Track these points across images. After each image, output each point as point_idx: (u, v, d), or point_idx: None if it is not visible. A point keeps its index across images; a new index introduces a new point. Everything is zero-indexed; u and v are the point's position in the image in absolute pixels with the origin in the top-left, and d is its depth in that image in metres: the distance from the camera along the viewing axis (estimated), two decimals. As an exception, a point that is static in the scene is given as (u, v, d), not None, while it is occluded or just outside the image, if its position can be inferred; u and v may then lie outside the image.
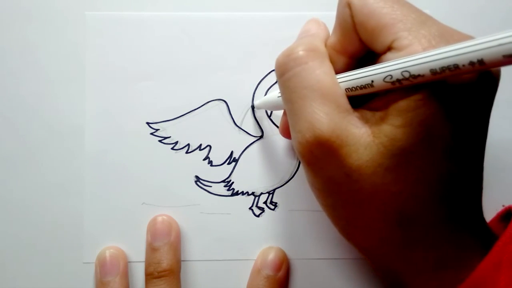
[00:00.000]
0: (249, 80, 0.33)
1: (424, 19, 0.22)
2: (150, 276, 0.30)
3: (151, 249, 0.31)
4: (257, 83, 0.33)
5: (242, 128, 0.33)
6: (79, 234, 0.32)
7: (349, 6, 0.24)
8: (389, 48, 0.22)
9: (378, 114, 0.22)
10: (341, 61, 0.25)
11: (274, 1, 0.33)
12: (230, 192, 0.33)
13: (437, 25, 0.22)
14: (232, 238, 0.32)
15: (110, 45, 0.33)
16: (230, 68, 0.33)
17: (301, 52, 0.24)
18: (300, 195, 0.32)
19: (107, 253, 0.31)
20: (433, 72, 0.20)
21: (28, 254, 0.32)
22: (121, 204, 0.32)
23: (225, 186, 0.33)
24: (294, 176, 0.33)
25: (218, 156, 0.33)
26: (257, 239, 0.32)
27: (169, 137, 0.33)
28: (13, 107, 0.33)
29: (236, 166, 0.33)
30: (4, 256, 0.32)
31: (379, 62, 0.22)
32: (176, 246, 0.31)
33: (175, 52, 0.33)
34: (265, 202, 0.32)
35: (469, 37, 0.22)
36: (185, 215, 0.32)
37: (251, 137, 0.33)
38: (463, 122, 0.22)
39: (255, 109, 0.33)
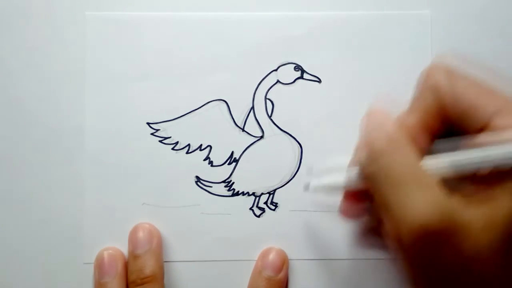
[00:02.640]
0: (249, 80, 0.33)
1: None
2: (133, 283, 0.30)
3: (133, 257, 0.31)
4: (257, 83, 0.33)
5: (243, 128, 0.33)
6: (79, 235, 0.32)
7: (436, 88, 0.24)
8: (483, 128, 0.22)
9: (483, 192, 0.22)
10: (423, 140, 0.25)
11: (274, 1, 0.33)
12: (230, 193, 0.32)
13: None
14: (233, 239, 0.32)
15: (110, 45, 0.33)
16: (230, 68, 0.33)
17: (384, 143, 0.24)
18: (301, 195, 0.32)
19: (105, 254, 0.31)
20: None
21: (28, 255, 0.32)
22: (121, 204, 0.32)
23: (225, 186, 0.32)
24: (295, 177, 0.32)
25: (219, 156, 0.33)
26: (258, 239, 0.32)
27: (170, 137, 0.33)
28: (13, 107, 0.32)
29: (237, 167, 0.33)
30: (4, 256, 0.32)
31: (474, 142, 0.22)
32: (159, 252, 0.31)
33: (175, 52, 0.33)
34: (265, 203, 0.32)
35: None
36: (186, 215, 0.32)
37: (252, 137, 0.33)
38: None
39: (308, 189, 0.30)
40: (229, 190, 0.33)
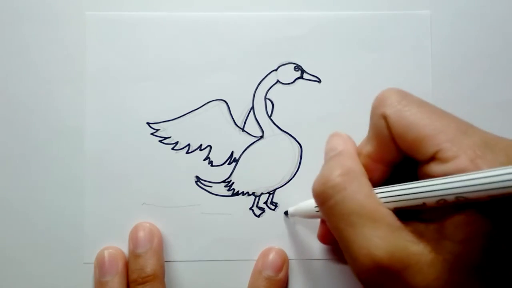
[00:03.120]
0: (249, 80, 0.33)
1: (465, 129, 0.22)
2: (134, 282, 0.30)
3: (134, 256, 0.31)
4: (257, 83, 0.33)
5: (243, 128, 0.33)
6: (79, 235, 0.32)
7: (384, 118, 0.24)
8: (432, 158, 0.22)
9: (432, 226, 0.22)
10: (379, 169, 0.25)
11: (274, 1, 0.33)
12: (230, 192, 0.33)
13: (479, 134, 0.22)
14: (233, 239, 0.32)
15: (110, 45, 0.33)
16: (230, 68, 0.33)
17: (337, 179, 0.24)
18: (301, 195, 0.32)
19: (106, 253, 0.31)
20: (492, 195, 0.19)
21: (28, 254, 0.32)
22: (121, 204, 0.32)
23: (225, 186, 0.32)
24: (295, 176, 0.32)
25: (219, 156, 0.33)
26: (258, 239, 0.32)
27: (170, 137, 0.33)
28: (13, 107, 0.32)
29: (237, 166, 0.33)
30: (4, 256, 0.32)
31: (423, 173, 0.22)
32: (159, 251, 0.31)
33: (175, 52, 0.33)
34: (265, 202, 0.32)
35: None
36: (186, 215, 0.32)
37: (252, 137, 0.33)
38: None
39: (288, 215, 0.32)
40: (229, 190, 0.33)
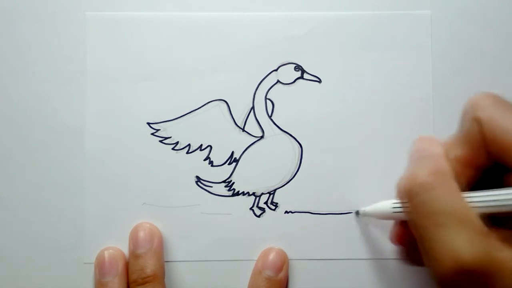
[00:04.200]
0: (250, 80, 0.33)
1: None
2: (134, 283, 0.30)
3: (134, 257, 0.31)
4: (257, 83, 0.33)
5: (243, 128, 0.33)
6: (80, 235, 0.32)
7: (477, 122, 0.23)
8: None
9: None
10: (468, 174, 0.25)
11: (274, 1, 0.33)
12: (230, 193, 0.33)
13: None
14: (233, 239, 0.32)
15: (110, 45, 0.33)
16: (230, 68, 0.33)
17: (427, 177, 0.23)
18: (301, 195, 0.32)
19: (106, 254, 0.31)
20: None
21: (28, 254, 0.32)
22: (121, 204, 0.32)
23: (225, 186, 0.32)
24: (295, 177, 0.32)
25: (219, 156, 0.33)
26: (258, 239, 0.32)
27: (170, 137, 0.33)
28: (13, 107, 0.32)
29: (237, 167, 0.33)
30: (4, 256, 0.32)
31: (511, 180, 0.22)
32: (159, 252, 0.31)
33: (175, 52, 0.33)
34: (265, 203, 0.32)
35: None
36: (186, 215, 0.32)
37: (252, 137, 0.33)
38: None
39: (359, 215, 0.32)
40: (229, 190, 0.33)
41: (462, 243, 0.22)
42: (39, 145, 0.32)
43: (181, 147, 0.33)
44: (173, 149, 0.33)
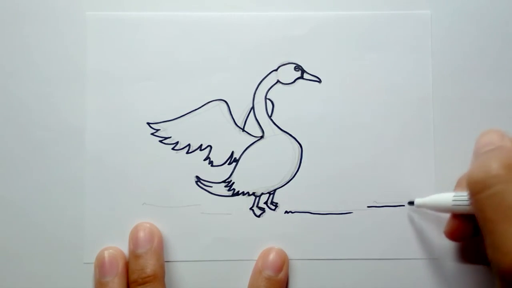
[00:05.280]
0: (250, 80, 0.33)
1: None
2: (134, 283, 0.30)
3: (134, 257, 0.31)
4: (258, 83, 0.33)
5: (243, 128, 0.33)
6: (80, 235, 0.32)
7: None
8: None
9: None
10: None
11: (274, 1, 0.33)
12: (230, 193, 0.33)
13: None
14: (233, 239, 0.32)
15: (110, 45, 0.33)
16: (230, 68, 0.33)
17: (500, 170, 0.23)
18: (301, 195, 0.32)
19: (106, 254, 0.31)
20: None
21: (28, 254, 0.32)
22: (121, 204, 0.32)
23: (225, 186, 0.32)
24: (295, 177, 0.32)
25: (219, 156, 0.33)
26: (258, 239, 0.32)
27: (170, 137, 0.33)
28: (14, 107, 0.32)
29: (237, 166, 0.33)
30: (4, 256, 0.32)
31: None
32: (159, 251, 0.31)
33: (175, 52, 0.33)
34: (265, 203, 0.32)
35: None
36: (186, 215, 0.32)
37: (252, 137, 0.33)
38: None
39: (414, 205, 0.31)
40: (229, 190, 0.33)
41: None
42: (40, 145, 0.32)
43: (181, 147, 0.33)
44: (173, 149, 0.33)
